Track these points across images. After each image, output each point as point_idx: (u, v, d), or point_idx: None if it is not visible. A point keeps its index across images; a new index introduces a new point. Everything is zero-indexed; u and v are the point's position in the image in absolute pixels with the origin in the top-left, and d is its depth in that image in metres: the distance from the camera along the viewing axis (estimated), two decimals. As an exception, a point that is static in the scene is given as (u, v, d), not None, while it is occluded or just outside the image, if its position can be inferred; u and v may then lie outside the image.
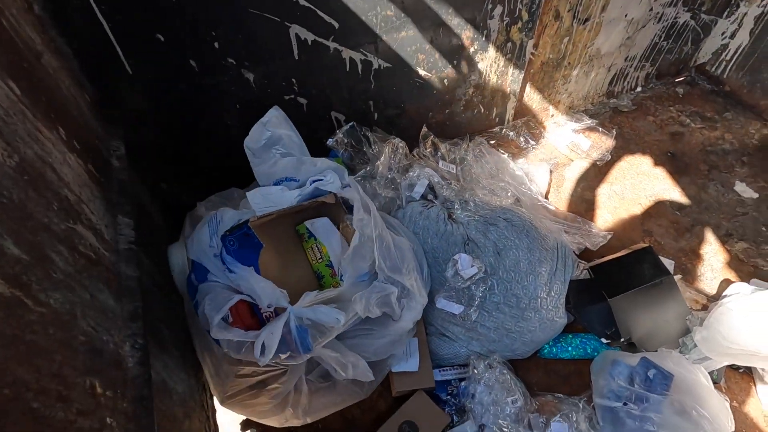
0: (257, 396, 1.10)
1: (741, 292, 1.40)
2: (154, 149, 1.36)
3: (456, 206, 1.41)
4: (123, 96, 1.20)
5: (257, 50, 1.26)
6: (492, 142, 1.93)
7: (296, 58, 1.32)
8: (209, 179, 1.45)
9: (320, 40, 1.30)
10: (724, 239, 1.66)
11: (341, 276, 1.17)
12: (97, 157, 0.97)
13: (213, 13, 1.13)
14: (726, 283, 1.53)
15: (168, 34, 1.12)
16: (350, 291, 1.14)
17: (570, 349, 1.36)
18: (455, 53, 1.57)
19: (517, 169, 1.67)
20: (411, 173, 1.47)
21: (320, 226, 1.26)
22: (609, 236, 1.55)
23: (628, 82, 2.21)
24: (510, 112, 1.94)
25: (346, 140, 1.44)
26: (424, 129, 1.62)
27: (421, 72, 1.57)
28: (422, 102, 1.69)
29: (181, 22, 1.12)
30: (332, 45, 1.34)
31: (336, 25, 1.28)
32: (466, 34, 1.53)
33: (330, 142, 1.45)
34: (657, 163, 1.93)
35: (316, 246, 1.25)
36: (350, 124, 1.46)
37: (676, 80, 2.32)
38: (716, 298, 1.48)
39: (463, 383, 1.28)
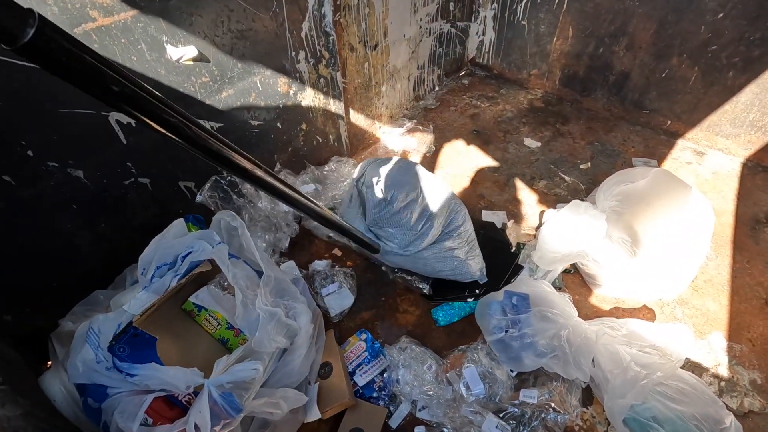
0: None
1: (551, 215, 1.84)
2: (-15, 283, 1.21)
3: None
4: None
5: (79, 146, 1.23)
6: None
7: (124, 142, 1.32)
8: (64, 291, 1.33)
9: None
10: (530, 182, 2.15)
11: (243, 332, 1.21)
12: None
13: (15, 123, 1.08)
14: (542, 213, 1.99)
15: (-33, 157, 1.04)
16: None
17: (459, 311, 1.62)
18: (278, 98, 1.74)
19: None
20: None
21: (204, 296, 1.28)
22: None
23: (427, 85, 2.68)
24: (345, 135, 2.18)
25: (212, 194, 1.50)
26: (278, 165, 1.77)
27: (254, 123, 1.69)
28: (264, 148, 1.81)
29: (-21, 141, 1.05)
30: (158, 121, 1.37)
31: (156, 102, 1.33)
32: (282, 80, 1.71)
33: (198, 198, 1.50)
34: (468, 141, 2.39)
35: (210, 315, 1.26)
36: (212, 178, 1.52)
37: (460, 74, 2.89)
38: (539, 226, 1.91)
39: (386, 374, 1.42)
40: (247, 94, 1.61)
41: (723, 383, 1.42)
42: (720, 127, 2.18)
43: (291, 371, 1.17)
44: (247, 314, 1.24)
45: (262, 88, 1.64)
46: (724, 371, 1.44)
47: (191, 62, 1.37)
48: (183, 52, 1.33)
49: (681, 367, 1.43)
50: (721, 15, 1.91)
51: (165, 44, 1.28)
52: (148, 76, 1.28)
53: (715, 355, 1.48)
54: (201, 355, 1.22)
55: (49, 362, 1.28)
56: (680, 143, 2.31)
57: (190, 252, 1.31)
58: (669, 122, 2.33)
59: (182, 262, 1.28)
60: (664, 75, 2.20)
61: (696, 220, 1.59)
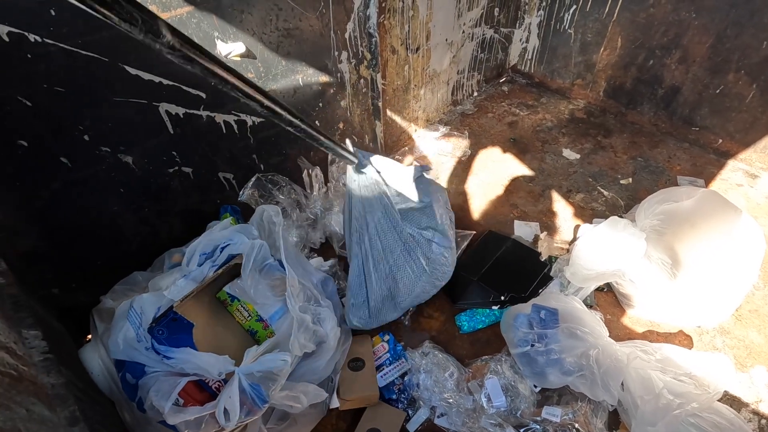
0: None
1: (587, 230, 1.79)
2: (38, 258, 1.29)
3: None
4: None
5: (130, 133, 1.29)
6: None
7: (171, 132, 1.38)
8: (106, 270, 1.40)
9: (191, 111, 1.38)
10: (566, 195, 2.09)
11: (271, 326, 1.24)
12: (-19, 278, 0.93)
13: (75, 109, 1.15)
14: (577, 227, 1.93)
15: (32, 137, 1.11)
16: (283, 336, 1.23)
17: (483, 318, 1.60)
18: (318, 97, 1.77)
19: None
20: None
21: (239, 287, 1.32)
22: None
23: (465, 90, 2.65)
24: (380, 136, 2.19)
25: (254, 192, 1.54)
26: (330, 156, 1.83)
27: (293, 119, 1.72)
28: (302, 144, 1.84)
29: (44, 122, 1.11)
30: (204, 113, 1.42)
31: (203, 95, 1.38)
32: (323, 79, 1.74)
33: (242, 197, 1.54)
34: (504, 149, 2.35)
35: (242, 306, 1.30)
36: (255, 176, 1.58)
37: (500, 81, 2.84)
38: (574, 240, 1.86)
39: (406, 377, 1.42)
40: (289, 91, 1.64)
41: (764, 421, 1.33)
42: (777, 149, 2.05)
43: (316, 369, 1.19)
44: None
45: (304, 85, 1.68)
46: (765, 408, 1.36)
47: (239, 58, 1.42)
48: (232, 47, 1.37)
49: (718, 400, 1.35)
50: (786, 30, 1.80)
51: (216, 39, 1.32)
52: (198, 69, 1.33)
53: (757, 391, 1.40)
54: (230, 343, 1.26)
55: (89, 336, 1.35)
56: (731, 164, 2.19)
57: (229, 244, 1.35)
58: (720, 141, 2.21)
59: (221, 252, 1.32)
60: (718, 91, 2.10)
61: (744, 246, 1.50)
